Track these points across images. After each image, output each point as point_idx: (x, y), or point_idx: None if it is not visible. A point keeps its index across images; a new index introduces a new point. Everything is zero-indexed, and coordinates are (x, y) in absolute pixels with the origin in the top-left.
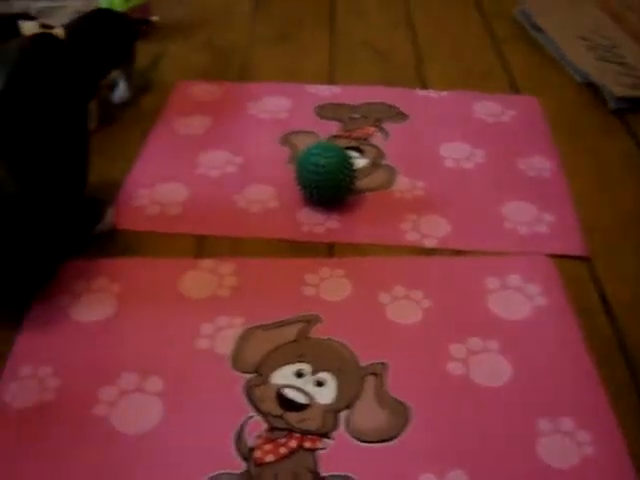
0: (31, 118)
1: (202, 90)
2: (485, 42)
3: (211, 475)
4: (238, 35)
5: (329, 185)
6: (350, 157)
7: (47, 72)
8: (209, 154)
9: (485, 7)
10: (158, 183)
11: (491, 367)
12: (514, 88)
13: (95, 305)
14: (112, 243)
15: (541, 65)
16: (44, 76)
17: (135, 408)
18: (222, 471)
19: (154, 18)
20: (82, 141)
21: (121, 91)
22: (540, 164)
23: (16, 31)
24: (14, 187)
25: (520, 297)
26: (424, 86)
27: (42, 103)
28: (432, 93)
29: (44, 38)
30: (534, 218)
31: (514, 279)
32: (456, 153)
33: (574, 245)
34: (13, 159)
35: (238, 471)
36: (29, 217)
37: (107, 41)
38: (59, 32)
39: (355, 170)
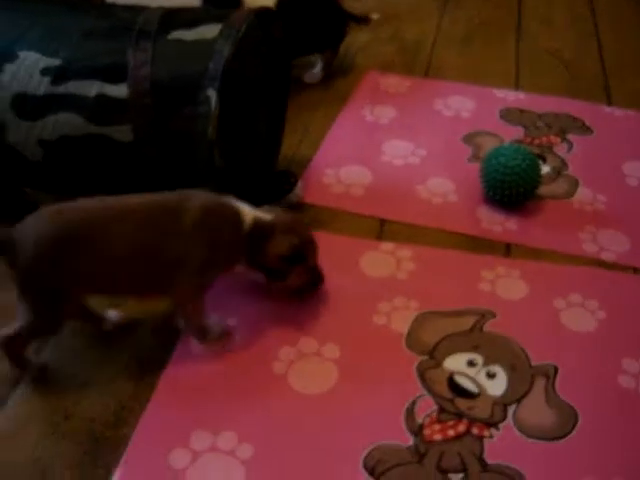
0: (245, 92)
1: (390, 82)
2: None
3: (380, 443)
4: (426, 31)
5: (515, 187)
6: (539, 163)
7: (262, 45)
8: (394, 143)
9: None
10: (344, 164)
11: None
12: None
13: None
14: (300, 213)
15: None
16: (261, 51)
17: (312, 371)
18: (391, 442)
19: (374, 16)
20: (280, 115)
21: (316, 73)
22: None
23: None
24: (221, 162)
25: None
26: (609, 101)
27: (255, 79)
28: (617, 110)
29: (266, 13)
30: None
31: None
32: (639, 172)
33: None
34: (224, 132)
35: (406, 444)
36: (229, 187)
37: (315, 21)
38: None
39: (541, 176)
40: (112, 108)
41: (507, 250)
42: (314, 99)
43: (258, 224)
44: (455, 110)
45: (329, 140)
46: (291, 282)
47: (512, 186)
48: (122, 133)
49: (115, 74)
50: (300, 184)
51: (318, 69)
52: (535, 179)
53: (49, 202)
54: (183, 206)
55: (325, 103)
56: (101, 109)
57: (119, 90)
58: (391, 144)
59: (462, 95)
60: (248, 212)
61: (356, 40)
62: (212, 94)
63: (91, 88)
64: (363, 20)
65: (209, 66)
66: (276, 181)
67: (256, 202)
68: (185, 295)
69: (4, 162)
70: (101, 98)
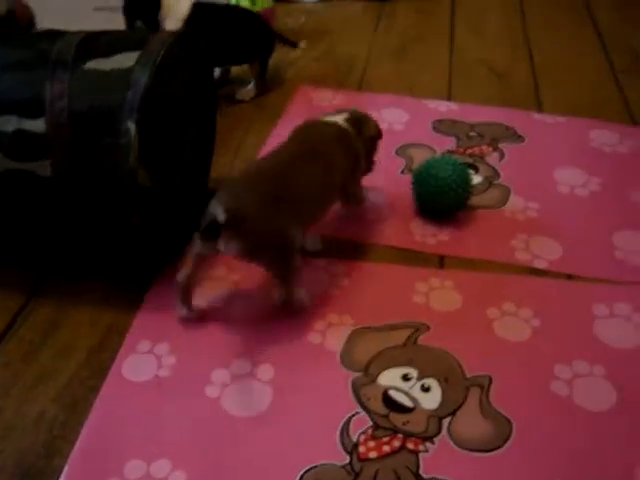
0: (168, 112)
1: (323, 96)
2: (603, 70)
3: (316, 464)
4: (358, 46)
5: (446, 199)
6: (469, 173)
7: (184, 67)
8: None
9: (605, 36)
10: None
11: (596, 392)
12: (632, 119)
13: (212, 292)
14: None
15: None
16: (181, 71)
17: (246, 393)
18: (325, 462)
19: (302, 45)
20: (209, 133)
21: (248, 90)
22: None
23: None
24: (148, 182)
25: (629, 326)
26: (540, 109)
27: (178, 97)
28: (548, 117)
29: (184, 34)
30: None
31: (623, 308)
32: (571, 179)
33: None
34: (150, 155)
35: (340, 463)
36: (157, 206)
37: (235, 31)
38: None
39: (472, 187)
40: (31, 143)
41: (441, 262)
42: (247, 117)
43: (354, 121)
44: (388, 122)
45: (262, 155)
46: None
47: (443, 198)
48: (43, 168)
49: (33, 108)
50: None
51: (250, 86)
52: (466, 190)
53: None
54: (322, 132)
55: (258, 120)
56: (20, 145)
57: (37, 125)
58: None
59: (395, 107)
60: (338, 119)
61: (287, 56)
62: (131, 126)
63: (8, 124)
64: (291, 43)
65: (127, 96)
66: (203, 203)
67: (185, 223)
68: (360, 188)
69: None
70: (19, 134)
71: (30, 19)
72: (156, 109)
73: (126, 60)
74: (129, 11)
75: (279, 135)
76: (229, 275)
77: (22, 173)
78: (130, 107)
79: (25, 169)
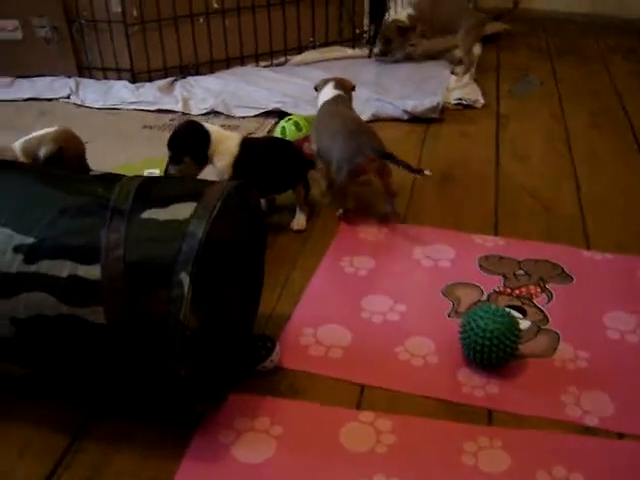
0: (221, 261)
1: (367, 229)
2: None
3: None
4: (402, 172)
5: (495, 351)
6: (518, 324)
7: (237, 215)
8: (372, 298)
9: None
10: (323, 323)
11: None
12: None
13: (255, 446)
14: (276, 380)
15: None
16: (234, 220)
17: None
18: None
19: (427, 172)
20: (257, 276)
21: (299, 218)
22: None
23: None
24: (196, 323)
25: None
26: (588, 244)
27: (230, 245)
28: (597, 255)
29: (239, 187)
30: None
31: None
32: (620, 324)
33: None
34: (200, 302)
35: None
36: (204, 352)
37: (275, 164)
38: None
39: (520, 337)
40: (84, 289)
41: (489, 417)
42: (293, 250)
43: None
44: (434, 259)
45: (308, 295)
46: None
47: (492, 350)
48: (95, 315)
49: (88, 254)
50: (277, 349)
51: (299, 213)
52: (514, 342)
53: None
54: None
55: (304, 253)
56: (73, 290)
57: (92, 271)
58: (370, 299)
59: (441, 242)
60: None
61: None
62: (185, 278)
63: (63, 268)
64: (416, 171)
65: (182, 248)
66: (252, 347)
67: (232, 368)
68: None
69: None
70: (73, 279)
71: (81, 154)
72: (209, 260)
73: (182, 211)
74: (177, 146)
75: (325, 270)
76: (271, 427)
77: (74, 318)
78: (184, 259)
79: (78, 314)
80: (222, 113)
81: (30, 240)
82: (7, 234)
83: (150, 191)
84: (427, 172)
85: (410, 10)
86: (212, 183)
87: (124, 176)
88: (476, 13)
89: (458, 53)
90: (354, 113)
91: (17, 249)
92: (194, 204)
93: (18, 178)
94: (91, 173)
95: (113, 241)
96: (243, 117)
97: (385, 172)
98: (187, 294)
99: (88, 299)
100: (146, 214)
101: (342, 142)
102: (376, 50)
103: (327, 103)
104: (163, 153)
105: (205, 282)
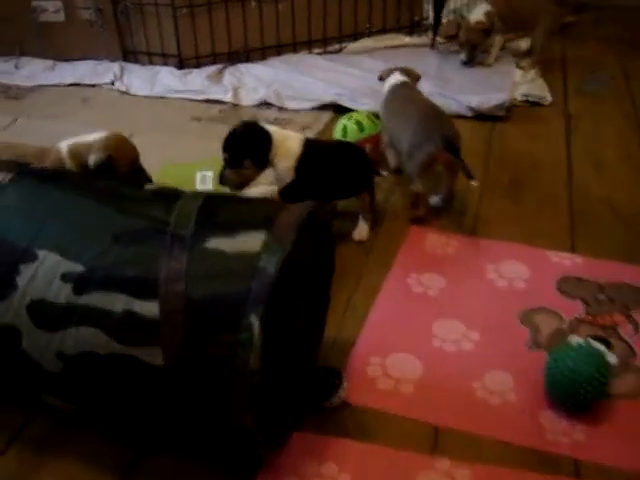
0: (292, 299)
1: (435, 242)
2: None
3: None
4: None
5: (584, 393)
6: (608, 364)
7: (309, 246)
8: (444, 322)
9: None
10: (391, 351)
11: None
12: None
13: None
14: (343, 418)
15: None
16: (306, 251)
17: None
18: None
19: (474, 183)
20: (323, 301)
21: (362, 228)
22: None
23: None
24: (258, 363)
25: None
26: None
27: (300, 280)
28: None
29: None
30: None
31: None
32: None
33: None
34: (267, 340)
35: None
36: (267, 391)
37: (342, 169)
38: None
39: (609, 378)
40: (140, 327)
41: (576, 469)
42: (355, 262)
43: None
44: (508, 279)
45: (373, 317)
46: None
47: (581, 393)
48: (152, 356)
49: (145, 288)
50: (344, 385)
51: (361, 223)
52: (604, 384)
53: None
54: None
55: (368, 266)
56: (128, 328)
57: (149, 307)
58: (441, 324)
59: (514, 259)
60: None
61: (395, 190)
62: (255, 321)
63: (117, 302)
64: (469, 176)
65: (252, 287)
66: (319, 381)
67: (297, 406)
68: None
69: (17, 368)
70: (128, 315)
71: (133, 161)
72: (282, 300)
73: (251, 242)
74: (236, 148)
75: (392, 289)
76: (339, 475)
77: (128, 359)
78: (255, 300)
79: (132, 354)
80: (274, 105)
81: (79, 268)
82: (54, 260)
83: (214, 214)
84: (474, 183)
85: (485, 6)
86: (283, 207)
87: (182, 192)
88: (553, 6)
89: (523, 45)
90: (427, 98)
91: (65, 277)
92: (264, 233)
93: (66, 193)
94: (146, 187)
95: (174, 273)
96: (297, 110)
97: (454, 168)
98: (257, 340)
99: (144, 338)
100: (211, 243)
101: (415, 126)
102: (463, 58)
103: (397, 87)
104: (213, 150)
105: (274, 321)
